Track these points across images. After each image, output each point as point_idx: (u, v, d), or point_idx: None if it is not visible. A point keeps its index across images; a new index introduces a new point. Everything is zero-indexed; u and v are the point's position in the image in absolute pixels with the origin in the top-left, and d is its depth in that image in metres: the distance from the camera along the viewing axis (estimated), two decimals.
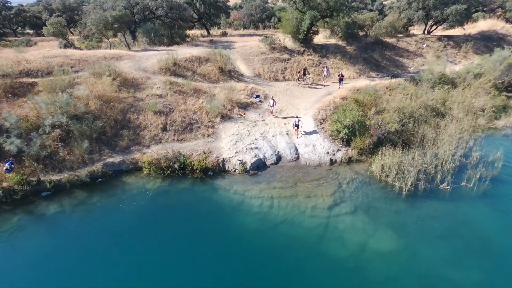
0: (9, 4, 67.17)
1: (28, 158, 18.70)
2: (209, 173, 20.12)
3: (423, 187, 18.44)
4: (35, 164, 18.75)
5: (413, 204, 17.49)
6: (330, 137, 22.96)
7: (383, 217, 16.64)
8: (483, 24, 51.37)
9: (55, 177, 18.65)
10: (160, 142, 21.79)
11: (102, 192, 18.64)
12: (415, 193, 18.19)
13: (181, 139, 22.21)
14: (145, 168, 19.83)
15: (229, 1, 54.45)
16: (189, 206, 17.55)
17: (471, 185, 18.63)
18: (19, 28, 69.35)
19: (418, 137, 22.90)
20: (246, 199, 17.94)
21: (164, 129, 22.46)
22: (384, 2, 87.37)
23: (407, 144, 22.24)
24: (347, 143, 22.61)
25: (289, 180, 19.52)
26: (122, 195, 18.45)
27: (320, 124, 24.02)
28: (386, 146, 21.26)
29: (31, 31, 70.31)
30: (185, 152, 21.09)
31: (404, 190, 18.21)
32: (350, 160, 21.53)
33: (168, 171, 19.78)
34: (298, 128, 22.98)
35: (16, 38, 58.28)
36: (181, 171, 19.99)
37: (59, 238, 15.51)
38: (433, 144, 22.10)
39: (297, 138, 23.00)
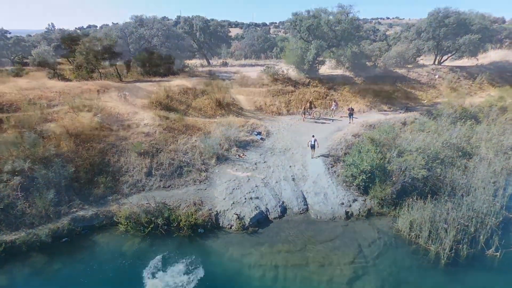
0: (8, 34, 66.60)
1: None
2: (199, 230, 16.52)
3: (465, 252, 14.68)
4: None
5: (455, 277, 13.75)
6: (344, 184, 19.53)
7: None
8: (494, 55, 49.29)
9: (9, 237, 15.11)
10: (143, 190, 18.40)
11: (66, 256, 15.05)
12: (456, 261, 14.44)
13: (168, 186, 18.83)
14: (122, 224, 16.32)
15: (230, 32, 53.13)
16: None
17: None
18: (18, 57, 68.48)
19: (447, 183, 19.45)
20: (244, 268, 14.25)
21: (149, 174, 19.14)
22: (386, 33, 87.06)
23: (435, 192, 18.76)
24: (364, 190, 19.17)
25: (297, 240, 15.87)
26: (91, 260, 14.87)
27: (331, 167, 20.68)
28: (413, 195, 17.85)
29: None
30: (171, 202, 17.66)
31: (442, 257, 14.45)
32: (369, 213, 17.92)
33: (149, 228, 16.27)
34: (314, 149, 21.14)
35: (13, 67, 56.92)
36: (165, 227, 16.49)
37: None
38: (466, 193, 18.65)
39: (312, 158, 21.42)
